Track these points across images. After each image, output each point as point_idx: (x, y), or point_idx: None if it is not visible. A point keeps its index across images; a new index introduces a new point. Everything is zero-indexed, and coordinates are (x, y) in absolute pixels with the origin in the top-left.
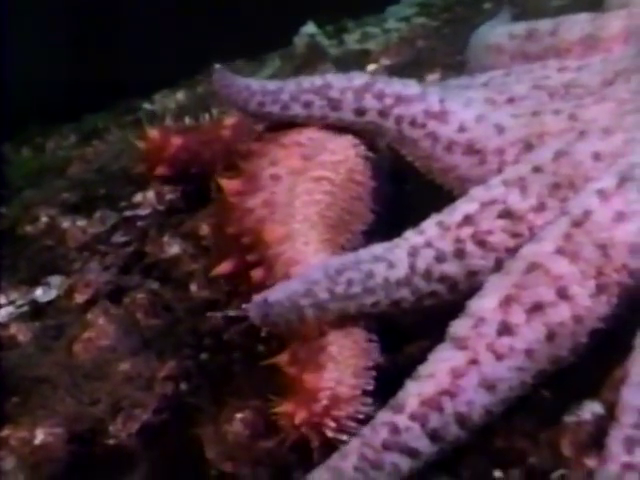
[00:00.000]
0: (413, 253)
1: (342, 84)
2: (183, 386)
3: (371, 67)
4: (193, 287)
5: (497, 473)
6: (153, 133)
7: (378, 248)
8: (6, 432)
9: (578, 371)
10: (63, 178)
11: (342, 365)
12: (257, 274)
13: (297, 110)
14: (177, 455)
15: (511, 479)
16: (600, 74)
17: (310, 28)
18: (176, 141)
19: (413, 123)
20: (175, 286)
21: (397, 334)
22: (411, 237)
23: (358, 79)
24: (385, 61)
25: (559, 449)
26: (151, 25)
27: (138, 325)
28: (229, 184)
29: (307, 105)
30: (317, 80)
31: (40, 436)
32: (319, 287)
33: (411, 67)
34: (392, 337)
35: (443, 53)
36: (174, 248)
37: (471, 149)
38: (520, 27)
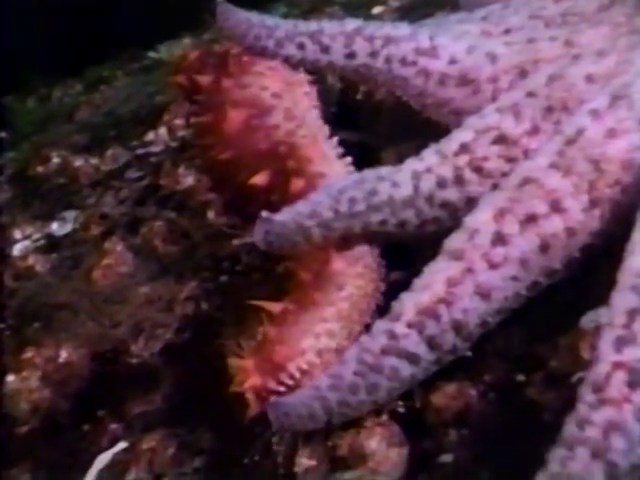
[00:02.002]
0: (416, 177)
1: (334, 29)
2: (204, 306)
3: (377, 9)
4: (210, 214)
5: (519, 377)
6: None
7: (381, 170)
8: (29, 353)
9: (595, 279)
10: (72, 123)
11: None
12: (297, 184)
13: (291, 50)
14: (200, 371)
15: (533, 383)
16: (596, 0)
17: None
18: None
19: (403, 61)
20: (192, 215)
21: None
22: (412, 163)
23: (350, 24)
24: (394, 2)
25: (578, 353)
26: None
27: (156, 252)
28: (232, 116)
29: (300, 47)
30: (312, 24)
31: (64, 354)
32: (323, 207)
33: (420, 7)
34: None
35: None
36: (189, 179)
37: (464, 80)
38: None
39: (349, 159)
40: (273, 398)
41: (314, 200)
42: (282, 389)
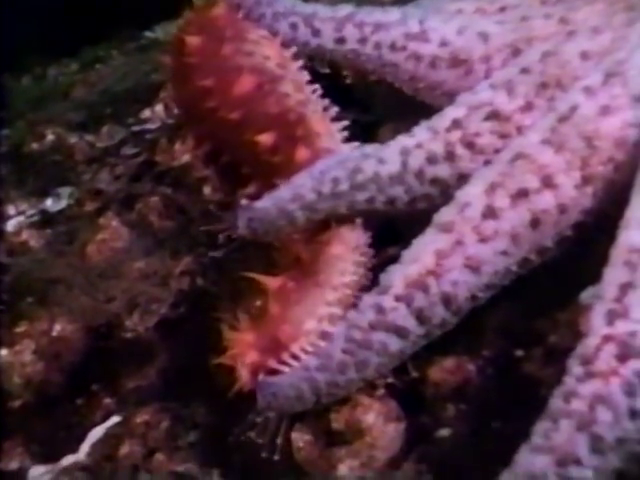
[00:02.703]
0: (405, 152)
1: (327, 14)
2: (199, 281)
3: None
4: (206, 190)
5: (518, 352)
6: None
7: (366, 148)
8: (22, 328)
9: (595, 254)
10: (67, 101)
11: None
12: (303, 153)
13: (284, 28)
14: (195, 346)
15: (532, 358)
16: None
17: None
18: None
19: (393, 47)
20: (188, 191)
21: None
22: (401, 140)
23: (342, 10)
24: None
25: (578, 328)
26: None
27: (151, 227)
28: (244, 80)
29: (293, 27)
30: (308, 7)
31: (58, 328)
32: (305, 189)
33: None
34: None
35: None
36: (186, 156)
37: (456, 61)
38: None
39: (355, 143)
40: (261, 377)
41: (296, 183)
42: (281, 368)
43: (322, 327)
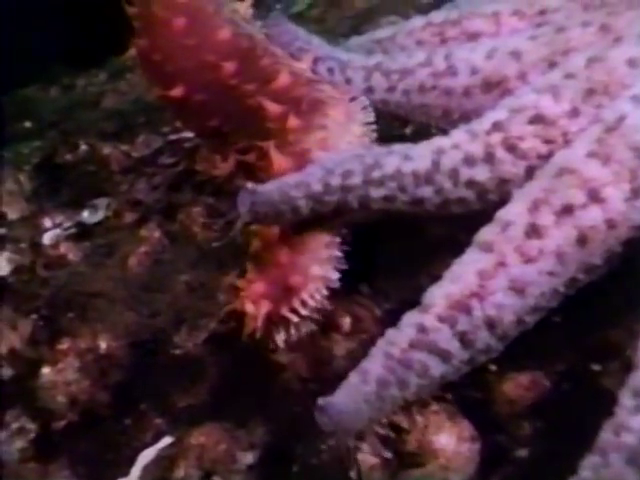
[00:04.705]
0: (438, 152)
1: (359, 62)
2: None
3: None
4: None
5: (595, 366)
6: None
7: (394, 146)
8: (65, 345)
9: None
10: (98, 110)
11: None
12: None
13: (322, 70)
14: (248, 361)
15: (609, 372)
16: None
17: None
18: None
19: (422, 89)
20: (232, 200)
21: None
22: (436, 139)
23: (373, 59)
24: None
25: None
26: None
27: (195, 238)
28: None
29: (330, 71)
30: (344, 55)
31: (102, 345)
32: (312, 178)
33: None
34: None
35: None
36: (228, 164)
37: (489, 85)
38: None
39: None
40: (321, 401)
41: (306, 171)
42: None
43: (326, 272)
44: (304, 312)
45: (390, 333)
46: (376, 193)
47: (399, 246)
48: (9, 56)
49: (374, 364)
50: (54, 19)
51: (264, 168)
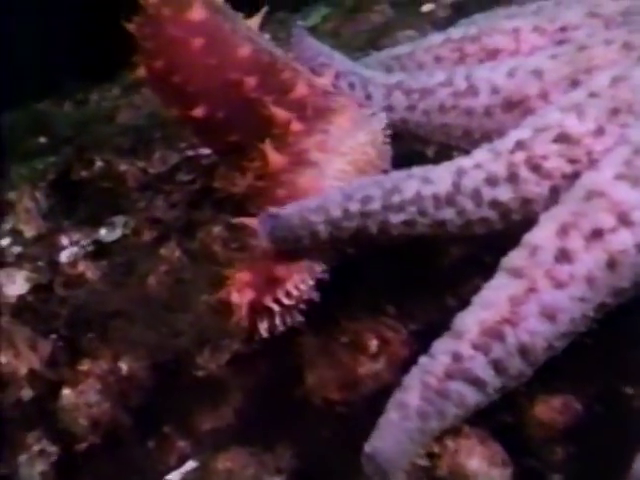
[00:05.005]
0: (459, 173)
1: (380, 79)
2: None
3: (428, 7)
4: None
5: (627, 389)
6: None
7: (413, 169)
8: (85, 366)
9: None
10: (113, 125)
11: None
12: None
13: (343, 85)
14: (273, 383)
15: None
16: None
17: None
18: None
19: (442, 109)
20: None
21: None
22: (457, 160)
23: (394, 77)
24: None
25: None
26: None
27: (216, 257)
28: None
29: (351, 86)
30: (366, 72)
31: (124, 367)
32: (332, 203)
33: (472, 2)
34: None
35: None
36: (247, 181)
37: (510, 104)
38: None
39: None
40: (368, 448)
41: (325, 196)
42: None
43: (312, 263)
44: (287, 302)
45: (424, 361)
46: (396, 218)
47: (423, 265)
48: (21, 71)
49: (412, 396)
50: (66, 33)
51: (261, 167)
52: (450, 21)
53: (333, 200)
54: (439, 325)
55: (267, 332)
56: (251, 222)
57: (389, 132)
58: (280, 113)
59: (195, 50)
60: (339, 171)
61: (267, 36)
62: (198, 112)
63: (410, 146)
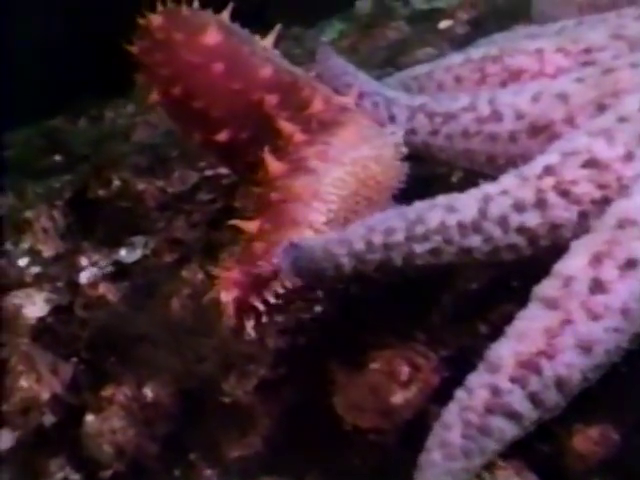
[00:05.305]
0: (485, 199)
1: (404, 101)
2: (301, 340)
3: (445, 23)
4: None
5: None
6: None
7: (437, 198)
8: (109, 391)
9: None
10: (129, 143)
11: None
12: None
13: (367, 105)
14: (301, 410)
15: None
16: None
17: None
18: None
19: (466, 134)
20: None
21: None
22: (484, 187)
23: (418, 99)
24: (462, 15)
25: None
26: None
27: None
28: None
29: (375, 105)
30: (390, 92)
31: (149, 393)
32: (355, 236)
33: (490, 19)
34: None
35: (521, 6)
36: None
37: (536, 129)
38: None
39: None
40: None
41: (349, 229)
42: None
43: None
44: (273, 301)
45: (462, 396)
46: (420, 248)
47: (452, 291)
48: (33, 86)
49: (453, 434)
50: (80, 47)
51: (262, 175)
52: (468, 38)
53: (356, 233)
54: (471, 350)
55: (254, 332)
56: (244, 225)
57: (403, 151)
58: (286, 126)
59: (216, 75)
60: (337, 180)
61: (277, 52)
62: (222, 136)
63: (432, 170)
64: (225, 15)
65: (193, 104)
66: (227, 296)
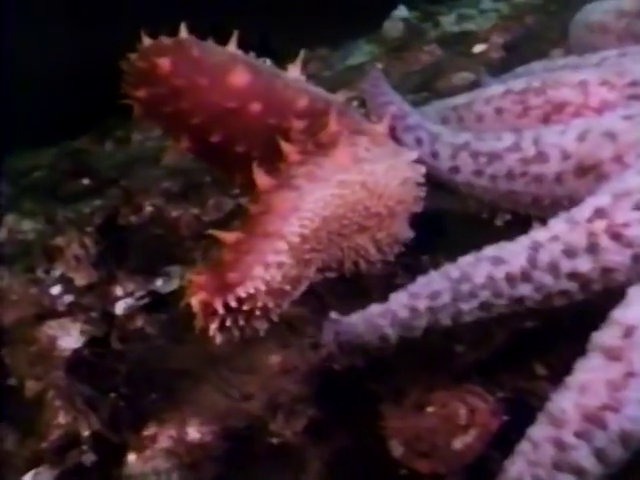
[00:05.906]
0: (535, 247)
1: (448, 138)
2: (351, 377)
3: (479, 47)
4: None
5: None
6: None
7: (482, 251)
8: (152, 430)
9: None
10: (159, 168)
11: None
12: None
13: (410, 140)
14: (353, 451)
15: None
16: None
17: (402, 12)
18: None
19: (510, 176)
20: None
21: None
22: (533, 233)
23: (462, 136)
24: (497, 39)
25: None
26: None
27: (284, 314)
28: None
29: (418, 141)
30: (434, 127)
31: (194, 434)
32: (398, 305)
33: (524, 43)
34: None
35: (554, 29)
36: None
37: (583, 169)
38: (630, 3)
39: None
40: None
41: (390, 300)
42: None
43: (268, 274)
44: (235, 305)
45: (527, 449)
46: (468, 306)
47: (505, 332)
48: (57, 106)
49: None
50: (104, 65)
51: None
52: (503, 63)
53: (398, 301)
54: (527, 392)
55: (220, 335)
56: (222, 236)
57: (418, 179)
58: (285, 146)
59: (254, 115)
60: (319, 199)
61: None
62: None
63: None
64: (232, 46)
65: (234, 148)
66: (194, 298)
